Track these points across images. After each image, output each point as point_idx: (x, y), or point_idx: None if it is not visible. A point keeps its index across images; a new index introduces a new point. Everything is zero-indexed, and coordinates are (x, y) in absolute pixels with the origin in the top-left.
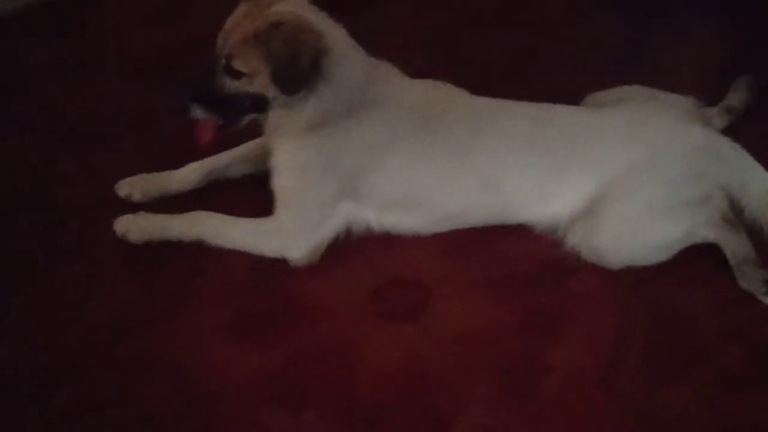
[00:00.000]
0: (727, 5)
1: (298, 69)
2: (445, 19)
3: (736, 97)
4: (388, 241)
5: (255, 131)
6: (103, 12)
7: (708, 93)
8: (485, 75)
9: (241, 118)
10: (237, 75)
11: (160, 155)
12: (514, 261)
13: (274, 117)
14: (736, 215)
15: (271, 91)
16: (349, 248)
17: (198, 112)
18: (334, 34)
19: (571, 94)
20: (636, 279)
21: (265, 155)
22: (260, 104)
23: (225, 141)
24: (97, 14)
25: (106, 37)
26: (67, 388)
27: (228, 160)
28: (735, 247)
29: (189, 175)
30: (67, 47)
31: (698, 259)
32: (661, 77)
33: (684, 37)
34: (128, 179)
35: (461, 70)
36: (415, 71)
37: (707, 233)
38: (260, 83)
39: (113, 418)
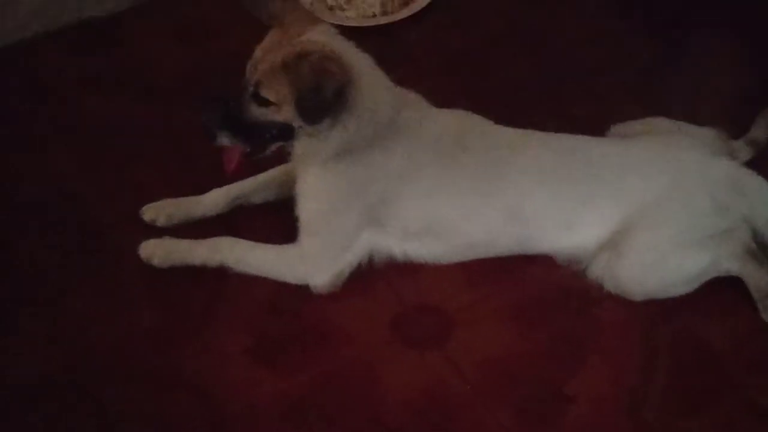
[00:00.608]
0: (747, 29)
1: (322, 99)
2: (461, 45)
3: (760, 130)
4: (411, 269)
5: (281, 157)
6: (132, 29)
7: (733, 124)
8: (503, 101)
9: (268, 146)
10: (264, 103)
11: (181, 176)
12: (537, 290)
13: (300, 145)
14: (760, 248)
15: (296, 121)
16: (372, 275)
17: (225, 140)
18: (361, 64)
19: (594, 123)
20: (660, 310)
21: (290, 182)
22: (286, 133)
23: (251, 167)
24: (125, 31)
25: (132, 54)
26: (83, 405)
27: (253, 186)
28: (758, 280)
29: (214, 200)
30: (92, 65)
31: (722, 292)
32: (680, 103)
33: (704, 63)
34: (153, 204)
35: (478, 96)
36: (433, 99)
37: (731, 266)
38: (287, 112)
39: None
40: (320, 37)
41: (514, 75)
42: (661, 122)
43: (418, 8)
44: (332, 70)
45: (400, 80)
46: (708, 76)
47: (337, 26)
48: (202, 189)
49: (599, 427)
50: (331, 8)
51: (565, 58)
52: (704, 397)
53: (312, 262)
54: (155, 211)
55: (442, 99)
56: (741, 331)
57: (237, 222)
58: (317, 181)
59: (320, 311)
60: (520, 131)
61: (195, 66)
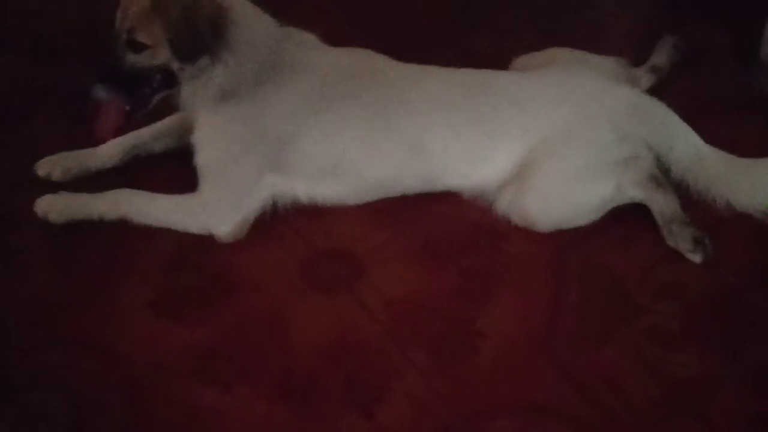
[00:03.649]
0: None
1: (197, 35)
2: None
3: (661, 57)
4: (317, 213)
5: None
6: None
7: (635, 52)
8: (410, 40)
9: (150, 97)
10: (140, 48)
11: (75, 134)
12: (445, 227)
13: (185, 91)
14: (663, 174)
15: (174, 61)
16: (278, 221)
17: (103, 94)
18: None
19: (497, 57)
20: (567, 241)
21: (187, 128)
22: (168, 79)
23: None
24: None
25: (20, 6)
26: None
27: (150, 135)
28: (662, 205)
29: (110, 151)
30: None
31: (627, 220)
32: (587, 37)
33: None
34: (48, 158)
35: (385, 36)
36: (331, 40)
37: (635, 193)
38: (164, 54)
39: (36, 403)
40: None
41: (414, 12)
42: (563, 53)
43: None
44: (203, 4)
45: (296, 21)
46: (611, 5)
47: None
48: (93, 145)
49: (511, 361)
50: None
51: None
52: (612, 326)
53: (214, 210)
54: (50, 165)
55: (339, 40)
56: (646, 258)
57: (136, 173)
58: (211, 128)
59: (225, 261)
60: (419, 67)
61: (86, 18)
